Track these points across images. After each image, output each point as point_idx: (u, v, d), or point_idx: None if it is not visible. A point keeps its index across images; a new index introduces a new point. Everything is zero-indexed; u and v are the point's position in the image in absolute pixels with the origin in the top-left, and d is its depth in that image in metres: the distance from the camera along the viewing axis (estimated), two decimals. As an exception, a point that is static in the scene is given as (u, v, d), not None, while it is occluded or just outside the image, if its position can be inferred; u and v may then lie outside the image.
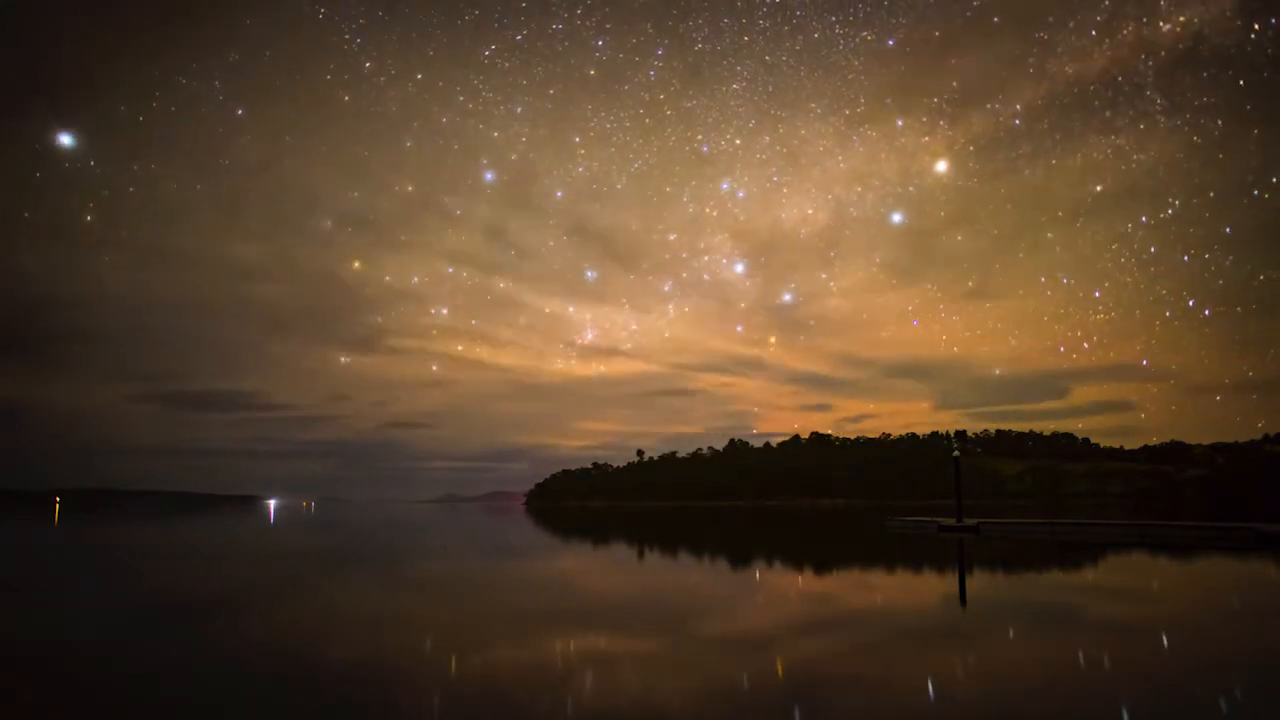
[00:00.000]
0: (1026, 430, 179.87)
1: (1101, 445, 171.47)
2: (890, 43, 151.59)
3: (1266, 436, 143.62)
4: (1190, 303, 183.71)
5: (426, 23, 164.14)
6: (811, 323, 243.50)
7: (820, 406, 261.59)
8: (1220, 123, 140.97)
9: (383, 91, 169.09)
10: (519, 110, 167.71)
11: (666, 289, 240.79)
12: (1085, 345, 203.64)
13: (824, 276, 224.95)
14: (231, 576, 12.31)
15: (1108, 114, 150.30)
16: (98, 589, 10.51)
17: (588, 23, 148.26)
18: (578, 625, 7.48)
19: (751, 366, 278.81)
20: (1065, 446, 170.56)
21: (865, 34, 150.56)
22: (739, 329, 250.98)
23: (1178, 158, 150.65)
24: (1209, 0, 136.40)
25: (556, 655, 5.96)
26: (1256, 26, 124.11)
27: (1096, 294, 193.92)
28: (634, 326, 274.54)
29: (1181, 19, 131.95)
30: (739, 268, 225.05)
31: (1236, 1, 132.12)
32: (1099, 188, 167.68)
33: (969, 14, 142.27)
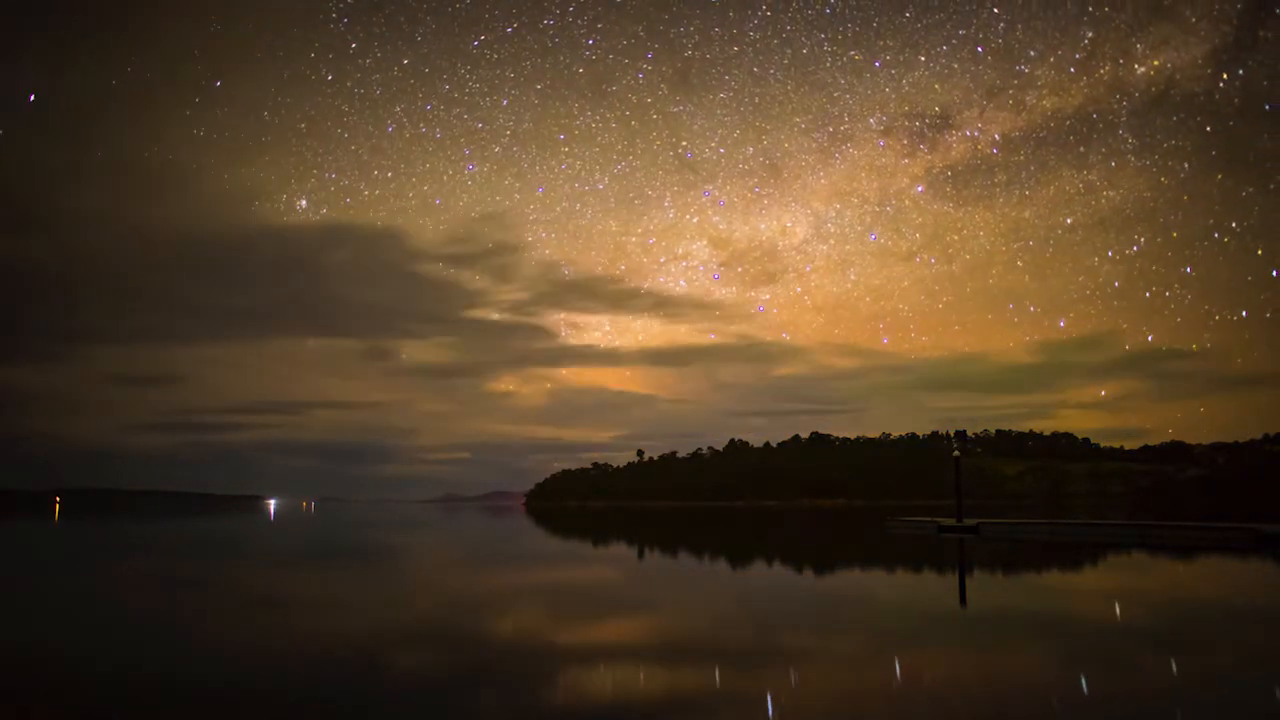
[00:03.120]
0: (1026, 430, 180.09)
1: (1101, 445, 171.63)
2: (877, 64, 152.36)
3: (1266, 436, 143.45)
4: (1150, 337, 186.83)
5: (416, 8, 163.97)
6: (785, 335, 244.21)
7: (788, 417, 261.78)
8: (1187, 166, 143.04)
9: (367, 74, 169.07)
10: (505, 103, 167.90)
11: (643, 291, 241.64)
12: (1048, 372, 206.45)
13: (799, 290, 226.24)
14: (164, 569, 12.42)
15: (1081, 149, 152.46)
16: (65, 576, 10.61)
17: (579, 21, 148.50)
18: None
19: (722, 374, 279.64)
20: (1065, 446, 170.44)
21: (853, 53, 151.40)
22: (711, 337, 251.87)
23: (1145, 196, 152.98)
24: (1182, 48, 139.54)
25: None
26: (1225, 76, 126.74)
27: (1061, 323, 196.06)
28: (608, 327, 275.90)
29: (1155, 63, 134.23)
30: (715, 275, 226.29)
31: (1208, 51, 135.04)
32: (1069, 220, 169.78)
33: (954, 41, 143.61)
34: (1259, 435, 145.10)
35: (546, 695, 4.70)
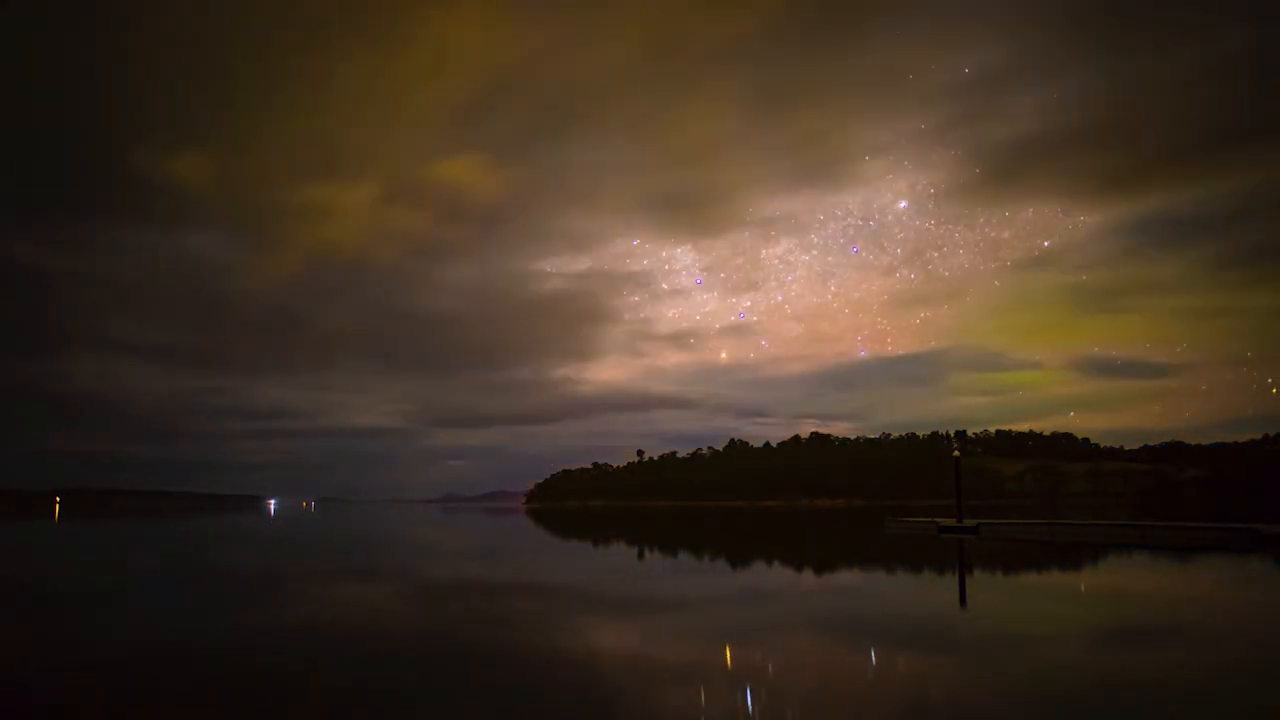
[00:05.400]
0: (1026, 430, 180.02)
1: (1101, 445, 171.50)
2: (868, 78, 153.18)
3: (1266, 436, 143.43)
4: (1120, 360, 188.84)
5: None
6: (763, 342, 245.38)
7: (787, 418, 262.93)
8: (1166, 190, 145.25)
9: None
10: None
11: (626, 292, 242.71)
12: (1020, 389, 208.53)
13: (780, 299, 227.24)
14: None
15: (1062, 175, 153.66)
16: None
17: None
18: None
19: (705, 377, 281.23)
20: (1065, 446, 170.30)
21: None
22: (692, 341, 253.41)
23: (1123, 220, 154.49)
24: (1166, 76, 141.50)
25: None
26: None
27: (1040, 339, 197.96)
28: (593, 327, 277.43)
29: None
30: (698, 280, 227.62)
31: (1189, 80, 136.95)
32: (1046, 243, 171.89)
33: (945, 61, 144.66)
34: (1259, 435, 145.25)
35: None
